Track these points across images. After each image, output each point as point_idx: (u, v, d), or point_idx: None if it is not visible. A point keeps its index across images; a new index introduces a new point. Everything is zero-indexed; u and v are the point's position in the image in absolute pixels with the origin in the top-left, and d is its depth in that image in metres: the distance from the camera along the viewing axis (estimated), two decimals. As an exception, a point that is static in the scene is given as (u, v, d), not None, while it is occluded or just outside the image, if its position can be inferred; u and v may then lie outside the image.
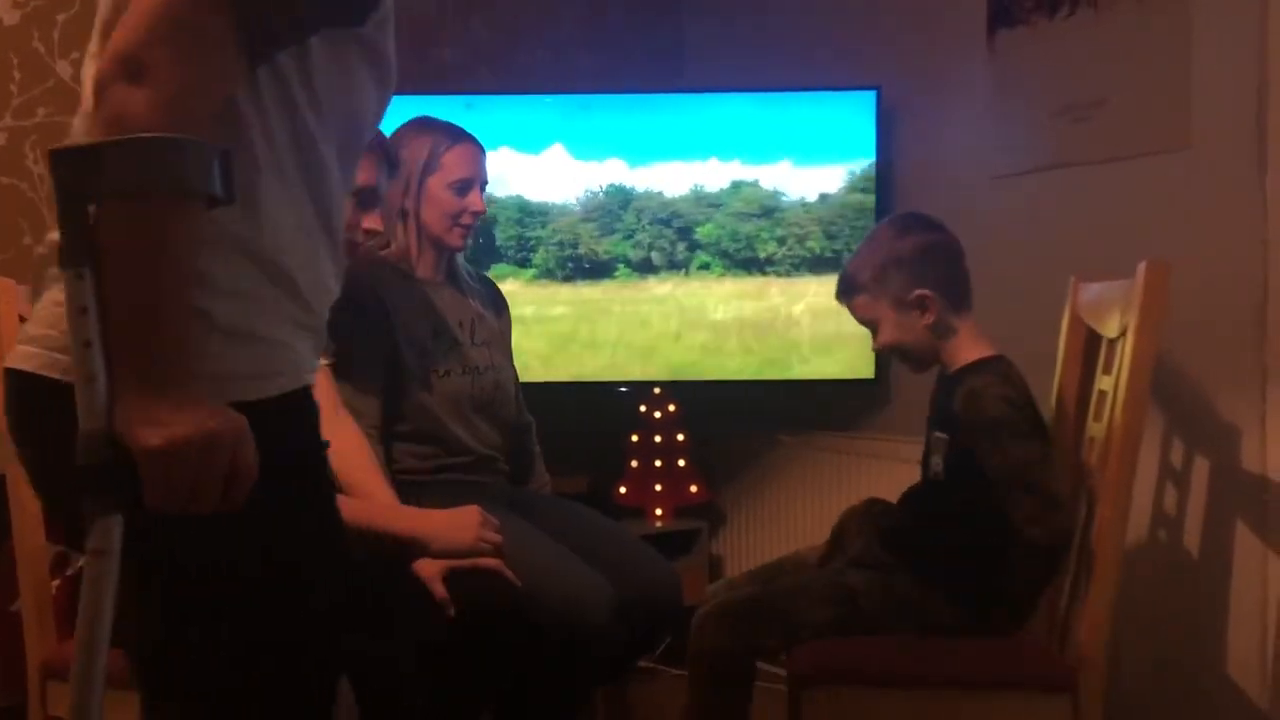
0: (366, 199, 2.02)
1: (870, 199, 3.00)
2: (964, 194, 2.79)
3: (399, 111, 2.49)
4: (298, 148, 1.17)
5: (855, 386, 3.07)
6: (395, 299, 2.24)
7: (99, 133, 1.02)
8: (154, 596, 1.11)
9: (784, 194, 3.02)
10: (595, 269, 3.04)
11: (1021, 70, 2.70)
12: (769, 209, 3.02)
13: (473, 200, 2.30)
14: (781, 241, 3.01)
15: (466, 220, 2.31)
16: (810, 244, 3.00)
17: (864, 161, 3.00)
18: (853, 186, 3.01)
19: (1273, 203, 2.21)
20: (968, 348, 2.10)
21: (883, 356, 2.60)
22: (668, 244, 3.01)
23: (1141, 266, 1.91)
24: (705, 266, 3.04)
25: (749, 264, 3.04)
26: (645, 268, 3.05)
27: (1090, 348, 2.22)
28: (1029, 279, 2.61)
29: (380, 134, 2.06)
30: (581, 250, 3.02)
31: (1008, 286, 2.62)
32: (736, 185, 3.03)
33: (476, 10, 3.27)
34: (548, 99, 3.10)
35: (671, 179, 3.05)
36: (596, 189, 3.03)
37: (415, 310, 2.27)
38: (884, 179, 3.00)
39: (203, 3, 1.03)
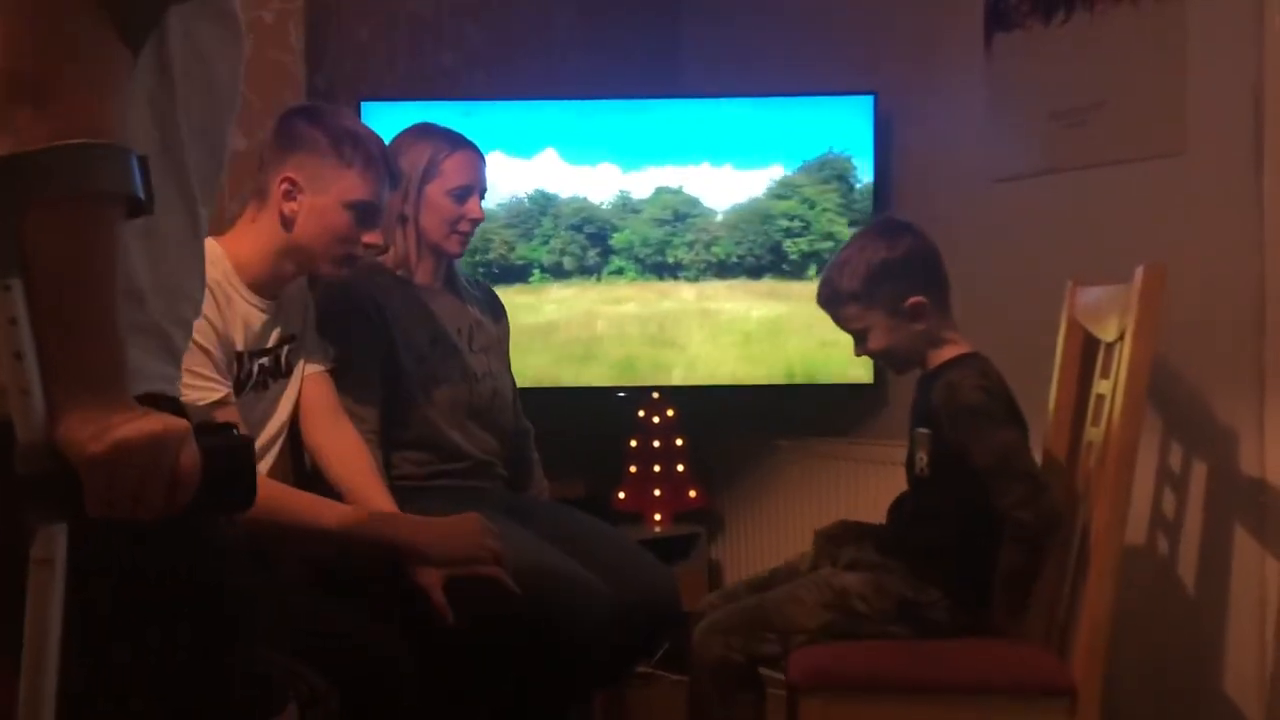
0: (368, 215, 2.01)
1: (783, 204, 3.01)
2: (961, 198, 2.80)
3: (397, 117, 2.50)
4: (151, 135, 1.12)
5: (854, 391, 3.06)
6: (394, 306, 2.24)
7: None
8: (93, 602, 1.08)
9: (700, 200, 3.02)
10: (506, 273, 3.02)
11: (1018, 75, 2.70)
12: (683, 214, 3.03)
13: (471, 207, 2.30)
14: (690, 246, 3.02)
15: (464, 227, 2.30)
16: (715, 249, 3.01)
17: (792, 167, 3.01)
18: (771, 193, 3.01)
19: (1269, 206, 2.21)
20: (947, 347, 2.12)
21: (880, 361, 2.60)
22: (579, 249, 3.01)
23: (1139, 270, 1.92)
24: (618, 271, 3.05)
25: (659, 269, 3.05)
26: (558, 272, 3.04)
27: (1088, 352, 2.23)
28: (1026, 283, 2.62)
29: (384, 148, 2.05)
30: (492, 255, 3.01)
31: (1005, 290, 2.63)
32: (659, 191, 3.04)
33: (473, 15, 3.27)
34: (544, 104, 3.10)
35: (667, 181, 3.05)
36: (521, 194, 3.02)
37: (414, 317, 2.27)
38: (881, 183, 3.00)
39: (76, 6, 0.99)
